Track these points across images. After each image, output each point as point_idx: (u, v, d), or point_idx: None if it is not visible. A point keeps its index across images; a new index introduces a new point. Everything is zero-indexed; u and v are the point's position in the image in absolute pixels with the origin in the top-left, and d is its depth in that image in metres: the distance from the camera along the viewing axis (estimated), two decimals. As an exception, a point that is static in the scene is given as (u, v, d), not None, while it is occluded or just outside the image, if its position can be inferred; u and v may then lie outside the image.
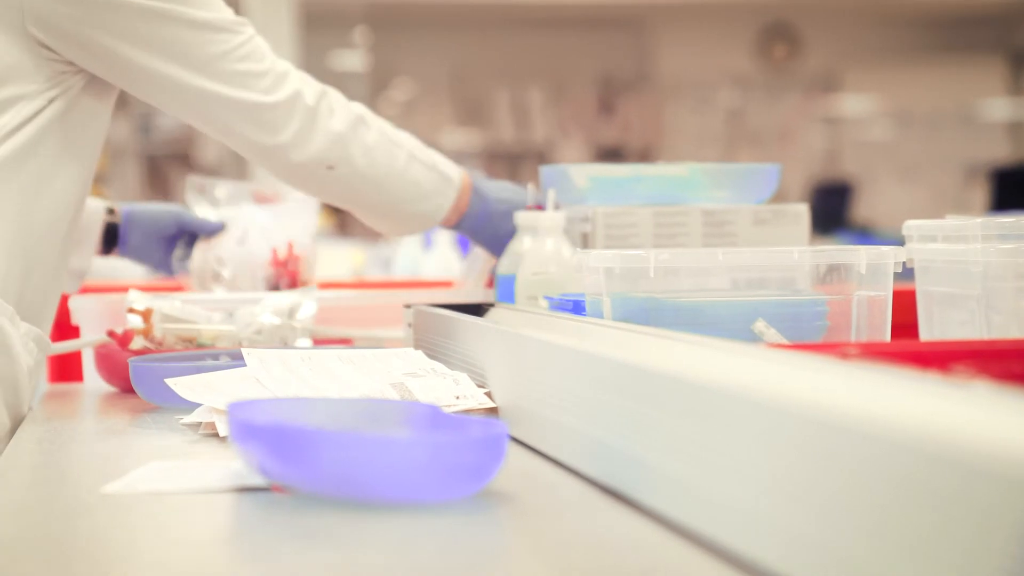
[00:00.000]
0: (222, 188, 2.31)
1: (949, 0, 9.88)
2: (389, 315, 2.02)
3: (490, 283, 2.06)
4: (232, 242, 2.20)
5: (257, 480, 1.11)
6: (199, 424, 1.43)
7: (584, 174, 1.96)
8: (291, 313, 1.92)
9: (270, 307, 1.92)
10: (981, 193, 9.54)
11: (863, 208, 10.06)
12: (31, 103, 1.68)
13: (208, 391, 1.46)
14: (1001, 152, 10.46)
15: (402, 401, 1.40)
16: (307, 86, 1.81)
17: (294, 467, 1.04)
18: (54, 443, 1.49)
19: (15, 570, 0.91)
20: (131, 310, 1.85)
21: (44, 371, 1.96)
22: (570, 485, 1.12)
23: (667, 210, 1.92)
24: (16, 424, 1.66)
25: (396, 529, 0.97)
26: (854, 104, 10.74)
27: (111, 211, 2.11)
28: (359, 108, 1.87)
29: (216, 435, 1.39)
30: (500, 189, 2.00)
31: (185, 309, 1.89)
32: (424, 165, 1.91)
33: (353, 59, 9.42)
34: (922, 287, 1.47)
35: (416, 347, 1.70)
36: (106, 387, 1.88)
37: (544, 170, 1.98)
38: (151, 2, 1.69)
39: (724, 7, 9.99)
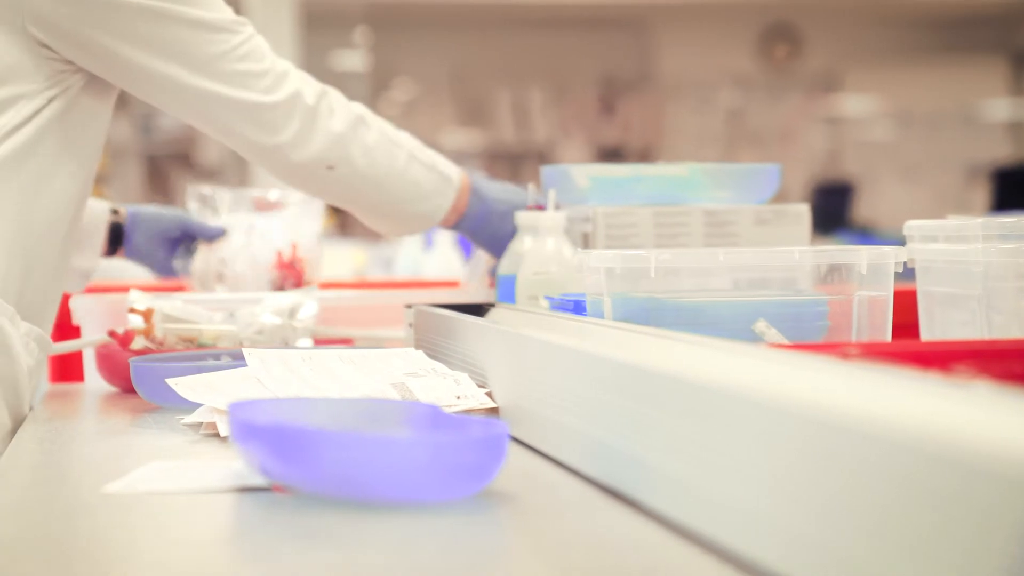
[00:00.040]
0: (223, 196, 2.32)
1: (950, 0, 9.87)
2: (390, 315, 2.02)
3: (491, 284, 2.06)
4: (236, 245, 2.20)
5: (258, 480, 1.11)
6: (200, 424, 1.43)
7: (585, 174, 1.96)
8: (292, 313, 1.92)
9: (271, 307, 1.92)
10: (982, 193, 9.54)
11: (864, 208, 10.06)
12: (31, 102, 1.68)
13: (209, 391, 1.46)
14: (1002, 152, 10.46)
15: (403, 401, 1.40)
16: (307, 86, 1.81)
17: (295, 467, 1.04)
18: (55, 443, 1.49)
19: (15, 570, 0.91)
20: (132, 310, 1.85)
21: (45, 371, 1.96)
22: (571, 485, 1.12)
23: (668, 210, 1.92)
24: (17, 424, 1.66)
25: (397, 529, 0.97)
26: (855, 104, 10.74)
27: (116, 212, 2.12)
28: (359, 108, 1.87)
29: (217, 435, 1.39)
30: (499, 190, 2.00)
31: (186, 309, 1.89)
32: (424, 165, 1.91)
33: (354, 59, 9.42)
34: (923, 287, 1.47)
35: (417, 347, 1.70)
36: (107, 387, 1.88)
37: (545, 170, 1.98)
38: (151, 1, 1.69)
39: (725, 7, 9.99)
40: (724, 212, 1.93)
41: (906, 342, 1.44)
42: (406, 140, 1.90)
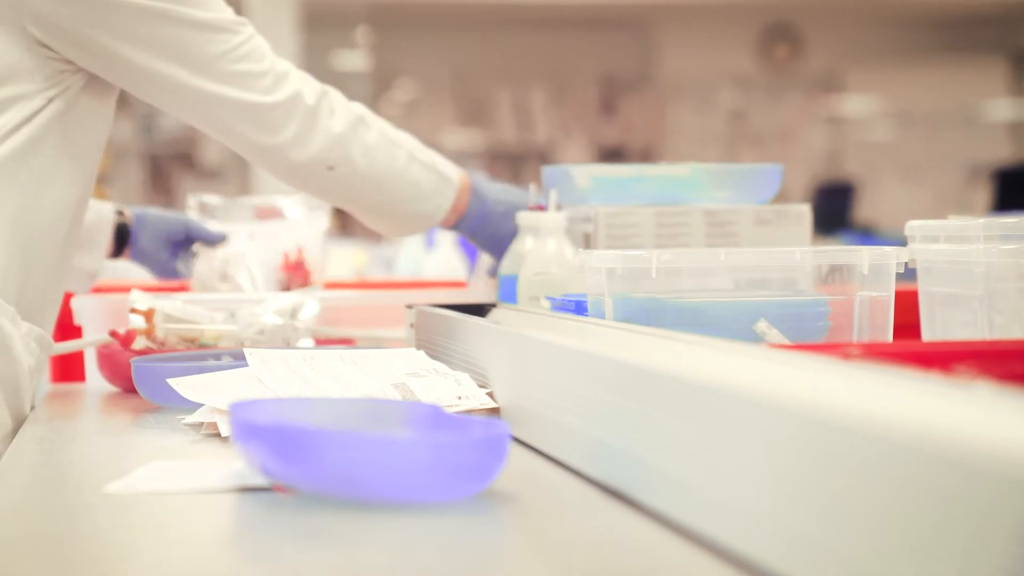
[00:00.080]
0: (224, 204, 2.33)
1: (951, 1, 9.87)
2: (391, 315, 2.02)
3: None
4: (238, 251, 2.21)
5: (259, 480, 1.11)
6: (201, 424, 1.43)
7: (586, 174, 1.96)
8: (293, 313, 1.92)
9: (272, 307, 1.92)
10: (983, 194, 9.54)
11: (865, 208, 10.06)
12: (30, 102, 1.68)
13: (210, 391, 1.46)
14: (1003, 153, 10.46)
15: (404, 401, 1.40)
16: (307, 86, 1.81)
17: (296, 467, 1.04)
18: (56, 443, 1.49)
19: (16, 570, 0.91)
20: (133, 310, 1.85)
21: (47, 371, 1.97)
22: (571, 485, 1.12)
23: (669, 210, 1.92)
24: (18, 424, 1.66)
25: (398, 529, 0.97)
26: (856, 104, 10.74)
27: (121, 213, 2.12)
28: (359, 108, 1.87)
29: (218, 435, 1.39)
30: (499, 190, 2.00)
31: (187, 309, 1.89)
32: (424, 165, 1.91)
33: (355, 59, 9.42)
34: (924, 288, 1.47)
35: (418, 347, 1.70)
36: (108, 387, 1.88)
37: (546, 170, 1.98)
38: (150, 2, 1.69)
39: (726, 7, 9.99)
40: (725, 212, 1.93)
41: (907, 343, 1.44)
42: (406, 140, 1.91)
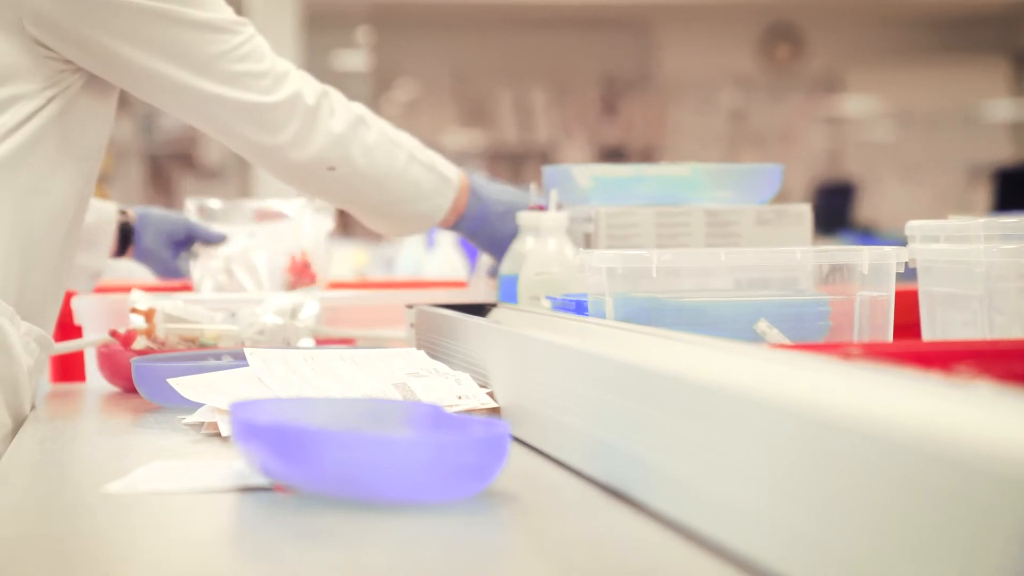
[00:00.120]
0: (224, 208, 2.33)
1: (952, 1, 9.87)
2: (391, 315, 2.02)
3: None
4: (238, 251, 2.21)
5: (259, 480, 1.11)
6: (201, 424, 1.43)
7: (587, 174, 1.96)
8: (293, 313, 1.92)
9: (272, 307, 1.92)
10: (984, 194, 9.54)
11: (866, 208, 10.06)
12: (30, 102, 1.68)
13: (210, 391, 1.46)
14: (1004, 153, 10.45)
15: (404, 401, 1.40)
16: (307, 86, 1.81)
17: (296, 467, 1.04)
18: (56, 443, 1.49)
19: (16, 569, 0.91)
20: (134, 310, 1.85)
21: (47, 371, 1.97)
22: (572, 485, 1.12)
23: (670, 210, 1.92)
24: (18, 424, 1.66)
25: (398, 529, 0.97)
26: (857, 104, 10.74)
27: (124, 212, 2.14)
28: (359, 108, 1.87)
29: (218, 435, 1.39)
30: (498, 190, 2.00)
31: (188, 309, 1.89)
32: (423, 166, 1.91)
33: (356, 59, 9.42)
34: (924, 287, 1.47)
35: (418, 347, 1.70)
36: (108, 387, 1.88)
37: (547, 170, 1.98)
38: (150, 2, 1.69)
39: (727, 8, 9.99)
40: (726, 212, 1.93)
41: (907, 342, 1.44)
42: (406, 140, 1.91)
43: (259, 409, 1.16)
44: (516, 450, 1.26)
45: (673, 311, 1.43)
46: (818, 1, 9.90)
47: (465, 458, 1.04)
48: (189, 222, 2.22)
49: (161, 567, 0.91)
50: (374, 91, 9.34)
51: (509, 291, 1.85)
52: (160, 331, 1.84)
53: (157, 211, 2.20)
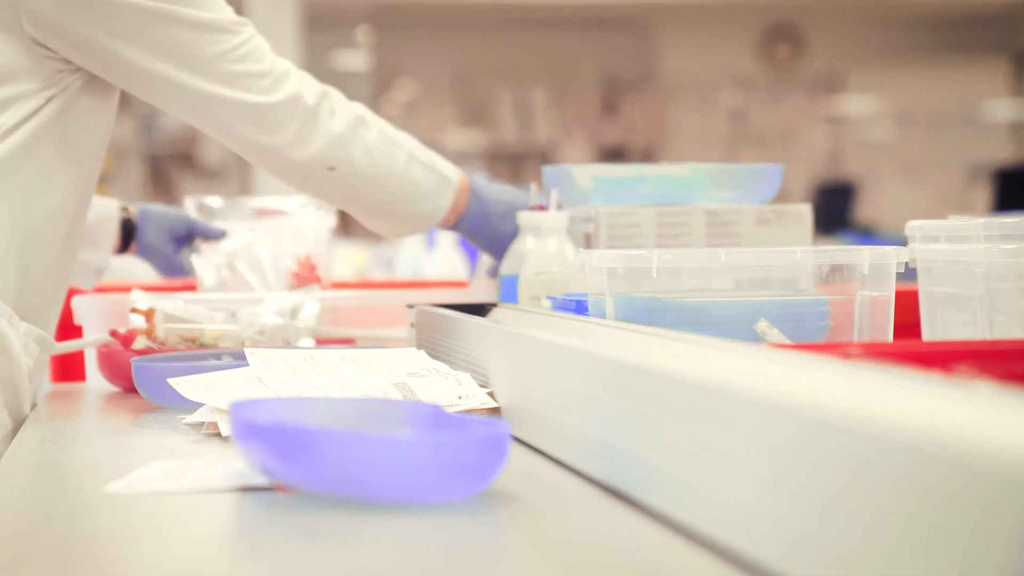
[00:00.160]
0: (223, 206, 2.34)
1: (952, 1, 9.87)
2: (392, 315, 2.02)
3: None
4: (239, 245, 2.22)
5: (259, 480, 1.11)
6: (201, 424, 1.43)
7: (587, 174, 1.96)
8: (294, 313, 1.92)
9: (273, 307, 1.92)
10: (984, 194, 9.54)
11: (866, 208, 10.06)
12: (29, 102, 1.67)
13: (210, 391, 1.46)
14: (1004, 153, 10.46)
15: (404, 401, 1.40)
16: (307, 86, 1.81)
17: (297, 467, 1.04)
18: (56, 442, 1.49)
19: (16, 569, 0.91)
20: (134, 310, 1.85)
21: (47, 371, 1.97)
22: (572, 485, 1.12)
23: (670, 210, 1.92)
24: (18, 424, 1.66)
25: (399, 529, 0.97)
26: (857, 104, 10.74)
27: (125, 209, 2.15)
28: (359, 108, 1.87)
29: (218, 435, 1.39)
30: (498, 191, 2.00)
31: (188, 309, 1.89)
32: (423, 166, 1.91)
33: (356, 59, 9.42)
34: (924, 287, 1.47)
35: (418, 347, 1.70)
36: (109, 387, 1.88)
37: (547, 170, 1.98)
38: (150, 2, 1.69)
39: (727, 8, 9.99)
40: (726, 212, 1.93)
41: (907, 342, 1.44)
42: (406, 140, 1.90)
43: (259, 409, 1.16)
44: (516, 450, 1.26)
45: (673, 311, 1.43)
46: (818, 1, 9.91)
47: (465, 458, 1.04)
48: (190, 218, 2.24)
49: (161, 567, 0.91)
50: (374, 91, 9.34)
51: (509, 291, 1.85)
52: (160, 331, 1.84)
53: (158, 207, 2.22)
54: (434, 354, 1.62)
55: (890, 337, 1.46)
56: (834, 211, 9.05)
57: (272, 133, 1.78)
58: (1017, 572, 0.59)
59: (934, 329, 1.46)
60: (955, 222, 1.43)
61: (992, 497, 0.61)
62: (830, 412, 0.74)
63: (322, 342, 1.94)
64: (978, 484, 0.62)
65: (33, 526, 1.05)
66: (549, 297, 1.73)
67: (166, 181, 8.97)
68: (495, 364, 1.46)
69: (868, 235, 8.21)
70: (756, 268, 1.51)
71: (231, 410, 1.11)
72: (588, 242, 1.91)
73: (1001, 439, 0.63)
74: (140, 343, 1.83)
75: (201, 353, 1.77)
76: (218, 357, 1.72)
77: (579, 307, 1.54)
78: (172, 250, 2.20)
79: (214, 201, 2.37)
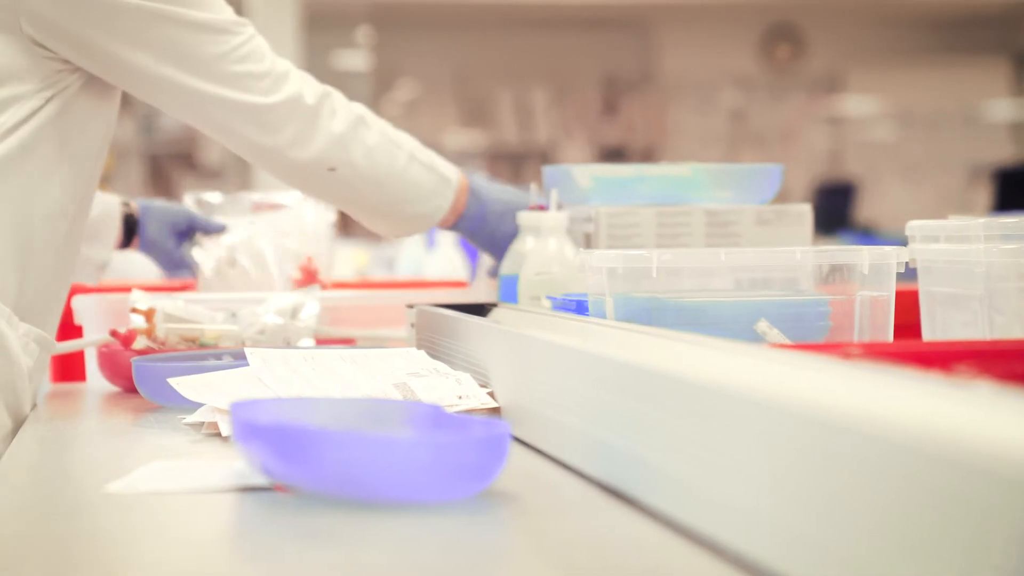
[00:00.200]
0: (222, 201, 2.35)
1: (953, 1, 9.87)
2: (392, 315, 2.02)
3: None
4: (240, 239, 2.23)
5: (260, 480, 1.11)
6: (202, 424, 1.43)
7: (587, 174, 1.96)
8: (294, 313, 1.92)
9: (273, 307, 1.92)
10: (984, 194, 9.54)
11: (866, 208, 10.06)
12: (28, 103, 1.67)
13: (210, 391, 1.46)
14: (1004, 153, 10.46)
15: (404, 401, 1.40)
16: (308, 86, 1.81)
17: (297, 467, 1.04)
18: (56, 442, 1.49)
19: (16, 569, 0.91)
20: (134, 310, 1.85)
21: (47, 371, 1.97)
22: (572, 485, 1.12)
23: (670, 210, 1.92)
24: (17, 425, 1.66)
25: (399, 529, 0.97)
26: (857, 105, 10.74)
27: (127, 204, 2.16)
28: (359, 108, 1.87)
29: (218, 435, 1.39)
30: (497, 191, 2.00)
31: (188, 309, 1.89)
32: (423, 166, 1.91)
33: (356, 59, 9.42)
34: (925, 288, 1.47)
35: (419, 347, 1.70)
36: (109, 387, 1.88)
37: (547, 170, 1.98)
38: (150, 3, 1.69)
39: (728, 8, 9.99)
40: (726, 212, 1.93)
41: (908, 342, 1.44)
42: (406, 141, 1.90)
43: (259, 409, 1.16)
44: (516, 450, 1.26)
45: (673, 311, 1.43)
46: (818, 1, 9.91)
47: (465, 458, 1.04)
48: (190, 213, 2.25)
49: (161, 567, 0.91)
50: (374, 91, 9.34)
51: (509, 291, 1.85)
52: (160, 331, 1.84)
53: (159, 203, 2.24)
54: (434, 354, 1.62)
55: (890, 337, 1.46)
56: (834, 211, 9.05)
57: (272, 134, 1.78)
58: (1017, 572, 0.59)
59: (934, 329, 1.46)
60: (955, 222, 1.43)
61: (992, 497, 0.61)
62: (830, 412, 0.74)
63: (322, 342, 1.94)
64: (978, 484, 0.62)
65: (33, 526, 1.05)
66: (549, 297, 1.73)
67: (166, 181, 8.98)
68: (495, 364, 1.46)
69: (868, 235, 8.21)
70: (756, 268, 1.51)
71: (231, 410, 1.11)
72: (588, 242, 1.91)
73: (1001, 439, 0.63)
74: (140, 343, 1.83)
75: (201, 353, 1.77)
76: (218, 357, 1.72)
77: (579, 307, 1.54)
78: (174, 245, 2.21)
79: (213, 197, 2.38)
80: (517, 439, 1.31)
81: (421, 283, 2.80)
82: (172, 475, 1.18)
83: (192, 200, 2.36)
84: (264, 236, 2.24)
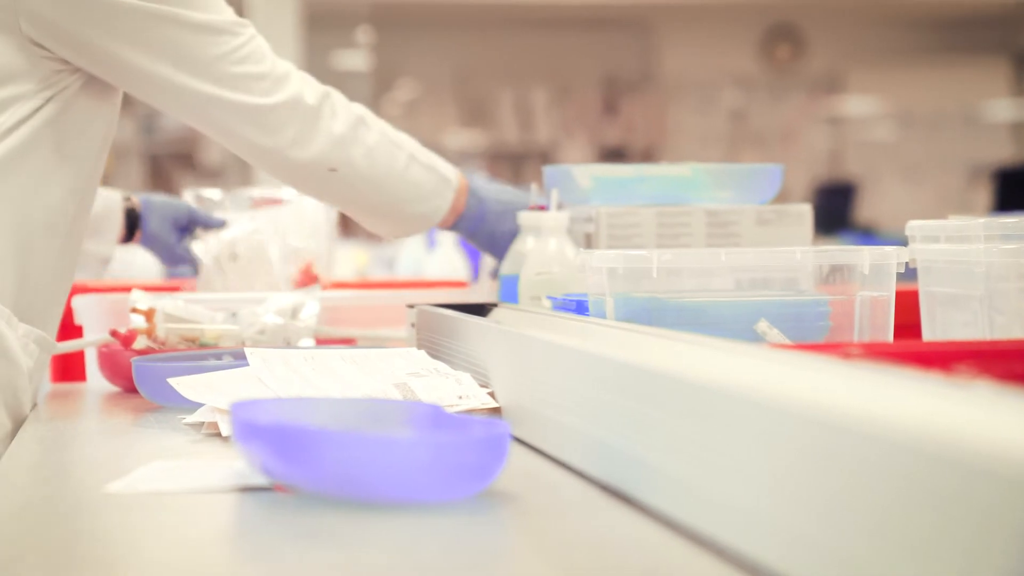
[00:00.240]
0: (222, 198, 2.35)
1: (953, 1, 9.87)
2: (392, 315, 2.02)
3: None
4: (241, 232, 2.23)
5: (260, 480, 1.11)
6: (202, 424, 1.43)
7: (587, 174, 1.96)
8: (294, 313, 1.92)
9: (273, 307, 1.92)
10: (984, 194, 9.54)
11: (866, 209, 10.06)
12: (27, 103, 1.67)
13: (210, 391, 1.46)
14: (1004, 153, 10.46)
15: (405, 401, 1.40)
16: (308, 87, 1.81)
17: (297, 467, 1.04)
18: (57, 442, 1.49)
19: (16, 569, 0.91)
20: (134, 310, 1.85)
21: (47, 371, 1.97)
22: (572, 485, 1.12)
23: (670, 210, 1.92)
24: (17, 425, 1.66)
25: (399, 529, 0.97)
26: (857, 105, 10.74)
27: (128, 199, 2.17)
28: (359, 109, 1.87)
29: (218, 435, 1.39)
30: (496, 191, 2.00)
31: (188, 309, 1.89)
32: (423, 166, 1.91)
33: (356, 59, 9.42)
34: (925, 288, 1.47)
35: (419, 347, 1.70)
36: (109, 387, 1.88)
37: (548, 170, 1.98)
38: (150, 4, 1.69)
39: (728, 8, 9.99)
40: (726, 212, 1.93)
41: (908, 342, 1.44)
42: (406, 141, 1.91)
43: (259, 409, 1.16)
44: (516, 450, 1.26)
45: (674, 311, 1.43)
46: (818, 1, 9.91)
47: (465, 458, 1.04)
48: (191, 207, 2.26)
49: (161, 566, 0.91)
50: (374, 91, 9.34)
51: (510, 291, 1.85)
52: (160, 331, 1.84)
53: (160, 197, 2.25)
54: (434, 354, 1.62)
55: (890, 337, 1.46)
56: (834, 211, 9.05)
57: (272, 134, 1.78)
58: (1017, 572, 0.59)
59: (934, 329, 1.46)
60: (955, 222, 1.43)
61: (992, 497, 0.61)
62: (830, 412, 0.74)
63: (322, 342, 1.94)
64: (978, 484, 0.62)
65: (33, 526, 1.05)
66: (549, 297, 1.73)
67: (166, 181, 8.98)
68: (495, 364, 1.46)
69: (868, 235, 8.22)
70: (756, 268, 1.51)
71: (231, 410, 1.11)
72: (588, 242, 1.91)
73: (1001, 439, 0.63)
74: (140, 343, 1.83)
75: (201, 353, 1.77)
76: (218, 357, 1.72)
77: (579, 307, 1.55)
78: (175, 239, 2.22)
79: (213, 193, 2.38)
80: (517, 439, 1.31)
81: (421, 283, 2.80)
82: (172, 475, 1.18)
83: (192, 197, 2.36)
84: (265, 231, 2.24)
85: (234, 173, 8.29)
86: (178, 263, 2.24)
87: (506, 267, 1.88)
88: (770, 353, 1.02)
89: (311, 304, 1.94)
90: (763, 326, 1.42)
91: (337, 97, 1.84)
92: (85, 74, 1.72)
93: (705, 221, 1.92)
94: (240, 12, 1.79)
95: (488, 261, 2.16)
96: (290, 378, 1.48)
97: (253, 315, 1.90)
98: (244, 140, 1.79)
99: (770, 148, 10.32)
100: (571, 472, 1.16)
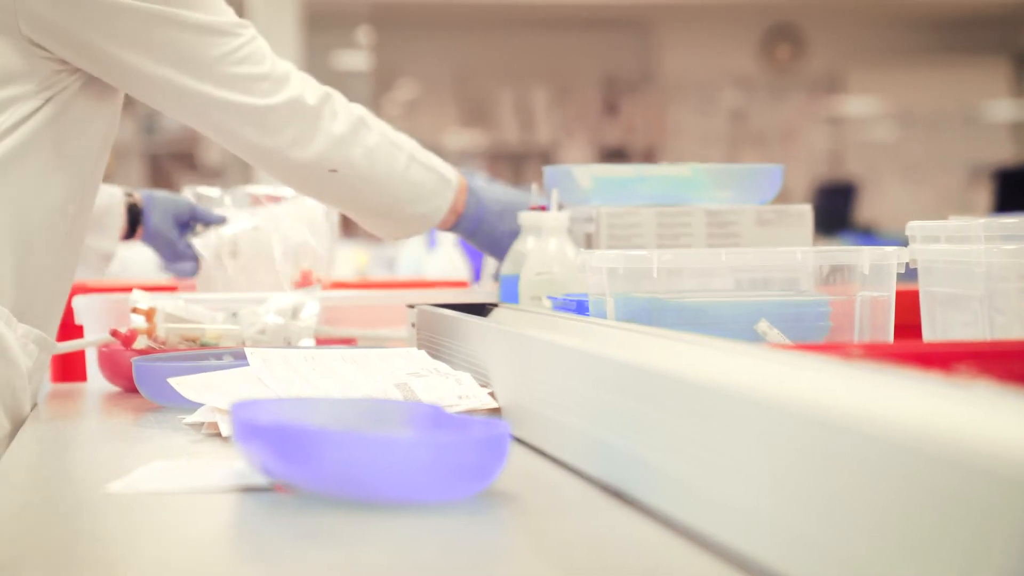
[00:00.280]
0: (221, 196, 2.35)
1: (953, 1, 9.88)
2: (392, 315, 2.02)
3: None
4: (241, 228, 2.23)
5: (260, 480, 1.11)
6: (202, 424, 1.43)
7: (588, 174, 1.96)
8: (294, 313, 1.92)
9: (274, 307, 1.92)
10: (984, 194, 9.54)
11: (866, 209, 10.06)
12: (26, 104, 1.67)
13: (211, 391, 1.46)
14: (1004, 153, 10.46)
15: (405, 401, 1.40)
16: (308, 88, 1.81)
17: (297, 467, 1.04)
18: (57, 442, 1.49)
19: (16, 569, 0.91)
20: (135, 310, 1.85)
21: (47, 371, 1.97)
22: (572, 485, 1.12)
23: (670, 210, 1.92)
24: (16, 426, 1.66)
25: (399, 529, 0.97)
26: (858, 105, 10.74)
27: (130, 195, 2.16)
28: (359, 110, 1.87)
29: (219, 435, 1.39)
30: (496, 191, 2.00)
31: (188, 309, 1.89)
32: (423, 167, 1.91)
33: (356, 59, 9.42)
34: (925, 288, 1.47)
35: (419, 347, 1.70)
36: (109, 387, 1.88)
37: (548, 170, 1.98)
38: (150, 5, 1.69)
39: (728, 8, 9.99)
40: (726, 212, 1.93)
41: (908, 343, 1.44)
42: (405, 142, 1.91)
43: (259, 409, 1.16)
44: (516, 450, 1.26)
45: (674, 311, 1.43)
46: (818, 1, 9.91)
47: (465, 458, 1.04)
48: (192, 204, 2.26)
49: (161, 566, 0.91)
50: (374, 91, 9.34)
51: (510, 291, 1.85)
52: (161, 331, 1.84)
53: (162, 193, 2.25)
54: (435, 354, 1.62)
55: (890, 337, 1.46)
56: (834, 211, 9.05)
57: (272, 135, 1.78)
58: (1017, 572, 0.59)
59: (934, 329, 1.46)
60: (955, 222, 1.43)
61: (992, 497, 0.61)
62: (830, 412, 0.74)
63: (323, 342, 1.94)
64: (978, 484, 0.62)
65: (33, 526, 1.05)
66: (550, 297, 1.73)
67: (167, 181, 8.98)
68: (495, 364, 1.46)
69: (868, 235, 8.22)
70: (756, 268, 1.51)
71: (231, 410, 1.11)
72: (589, 242, 1.91)
73: (1001, 439, 0.63)
74: (141, 343, 1.83)
75: (202, 353, 1.77)
76: (219, 357, 1.72)
77: (579, 307, 1.55)
78: (177, 235, 2.22)
79: (212, 191, 2.38)
80: (517, 439, 1.32)
81: (422, 283, 2.79)
82: (172, 475, 1.18)
83: (191, 194, 2.36)
84: (265, 228, 2.24)
85: (234, 173, 8.29)
86: (179, 259, 2.24)
87: (506, 267, 1.88)
88: (770, 353, 1.02)
89: (311, 304, 1.94)
90: (763, 326, 1.42)
91: (337, 98, 1.84)
92: (85, 75, 1.72)
93: (705, 221, 1.92)
94: (240, 12, 1.79)
95: (491, 262, 2.16)
96: (290, 378, 1.48)
97: (253, 315, 1.90)
98: (244, 141, 1.79)
99: (770, 148, 10.32)
100: (571, 472, 1.16)
